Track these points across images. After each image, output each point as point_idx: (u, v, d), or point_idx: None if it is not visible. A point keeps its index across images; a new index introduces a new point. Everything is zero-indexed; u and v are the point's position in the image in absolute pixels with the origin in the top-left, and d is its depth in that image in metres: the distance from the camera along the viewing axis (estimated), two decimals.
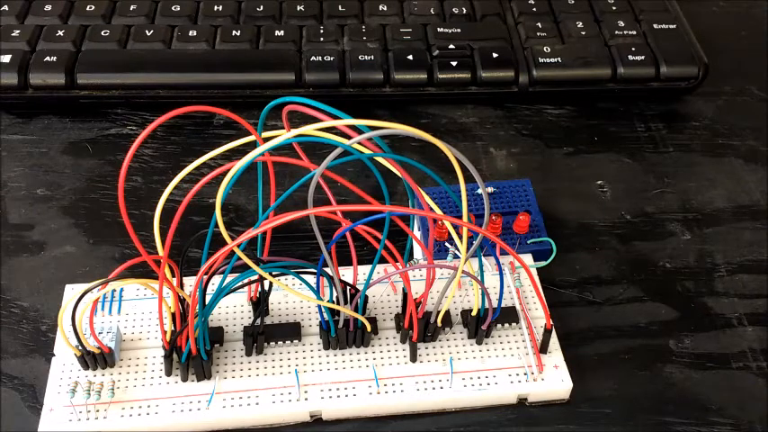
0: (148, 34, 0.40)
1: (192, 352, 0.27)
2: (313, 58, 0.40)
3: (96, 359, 0.28)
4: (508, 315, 0.30)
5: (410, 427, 0.29)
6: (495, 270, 0.32)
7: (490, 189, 0.35)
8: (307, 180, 0.25)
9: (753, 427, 0.29)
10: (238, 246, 0.24)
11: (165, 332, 0.27)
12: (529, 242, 0.33)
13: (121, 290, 0.31)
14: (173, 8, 0.42)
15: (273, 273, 0.28)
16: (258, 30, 0.41)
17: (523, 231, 0.33)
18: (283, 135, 0.23)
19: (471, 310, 0.30)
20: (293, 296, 0.31)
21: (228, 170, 0.24)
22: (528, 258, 0.33)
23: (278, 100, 0.24)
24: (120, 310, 0.30)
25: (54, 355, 0.29)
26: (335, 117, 0.22)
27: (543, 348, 0.30)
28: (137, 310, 0.30)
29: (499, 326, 0.30)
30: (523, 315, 0.31)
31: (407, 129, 0.22)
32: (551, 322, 0.29)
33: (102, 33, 0.40)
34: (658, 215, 0.37)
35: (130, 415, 0.27)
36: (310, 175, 0.24)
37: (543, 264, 0.33)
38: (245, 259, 0.25)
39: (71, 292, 0.31)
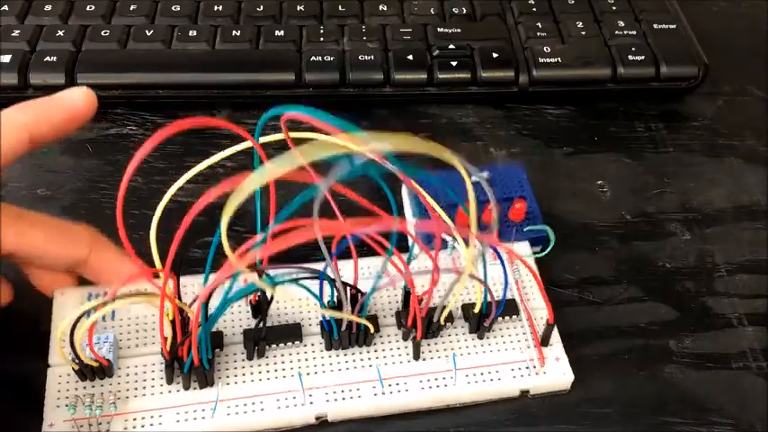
0: (148, 34, 0.40)
1: (195, 363, 0.27)
2: (313, 58, 0.40)
3: (95, 371, 0.28)
4: (508, 308, 0.30)
5: (412, 427, 0.29)
6: (494, 258, 0.31)
7: (484, 174, 0.34)
8: (311, 193, 0.24)
9: (753, 427, 0.29)
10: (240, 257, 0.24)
11: (166, 339, 0.27)
12: (525, 230, 0.33)
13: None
14: (173, 8, 0.42)
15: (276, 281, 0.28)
16: (258, 30, 0.41)
17: (519, 219, 0.33)
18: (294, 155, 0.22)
19: (473, 305, 0.30)
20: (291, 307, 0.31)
21: (231, 187, 0.23)
22: (525, 246, 0.32)
23: (275, 110, 0.23)
24: (113, 314, 0.30)
25: (50, 366, 0.28)
26: (337, 125, 0.22)
27: (544, 341, 0.30)
28: (131, 315, 0.30)
29: (500, 319, 0.30)
30: (523, 307, 0.31)
31: (432, 149, 0.21)
32: (553, 314, 0.29)
33: (102, 33, 0.40)
34: (658, 215, 0.37)
35: (134, 427, 0.27)
36: (314, 190, 0.23)
37: (542, 254, 0.33)
38: (251, 278, 0.25)
39: (60, 297, 0.30)
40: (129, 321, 0.30)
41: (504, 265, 0.30)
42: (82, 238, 0.29)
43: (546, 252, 0.32)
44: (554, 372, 0.29)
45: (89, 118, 0.29)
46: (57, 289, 0.30)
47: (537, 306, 0.31)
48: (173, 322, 0.27)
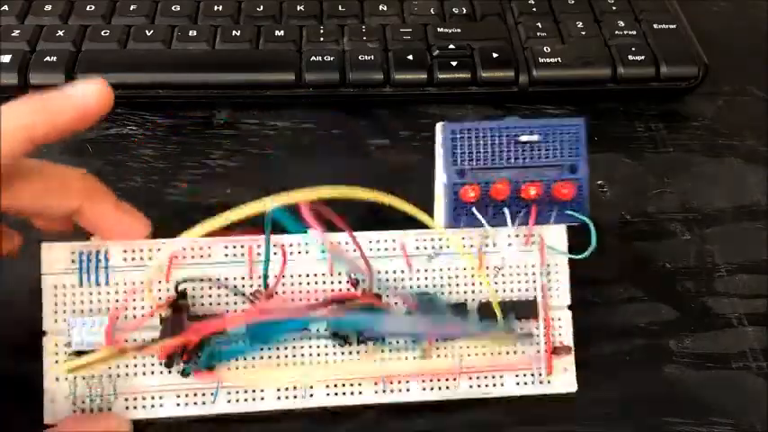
0: (148, 34, 0.40)
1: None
2: (313, 58, 0.40)
3: None
4: (527, 309, 0.30)
5: (413, 426, 0.29)
6: (525, 244, 0.30)
7: (535, 137, 0.30)
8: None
9: (753, 427, 0.29)
10: None
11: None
12: (567, 212, 0.30)
13: (105, 254, 0.29)
14: (173, 8, 0.42)
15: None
16: (258, 30, 0.41)
17: (564, 199, 0.30)
18: None
19: (488, 304, 0.29)
20: (298, 284, 0.30)
21: None
22: (561, 233, 0.30)
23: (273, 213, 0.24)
24: (107, 279, 0.28)
25: (45, 333, 0.28)
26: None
27: (557, 350, 0.29)
28: (127, 280, 0.28)
29: (515, 320, 0.30)
30: (543, 306, 0.30)
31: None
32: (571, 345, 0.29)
33: (102, 33, 0.40)
34: (658, 215, 0.37)
35: (134, 407, 0.27)
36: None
37: (580, 256, 0.30)
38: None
39: (48, 249, 0.28)
40: (125, 288, 0.28)
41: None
42: (73, 188, 0.27)
43: (584, 255, 0.30)
44: (559, 383, 0.29)
45: (102, 115, 0.26)
46: (44, 243, 0.28)
47: (558, 305, 0.30)
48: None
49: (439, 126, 0.30)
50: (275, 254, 0.28)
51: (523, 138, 0.30)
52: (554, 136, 0.30)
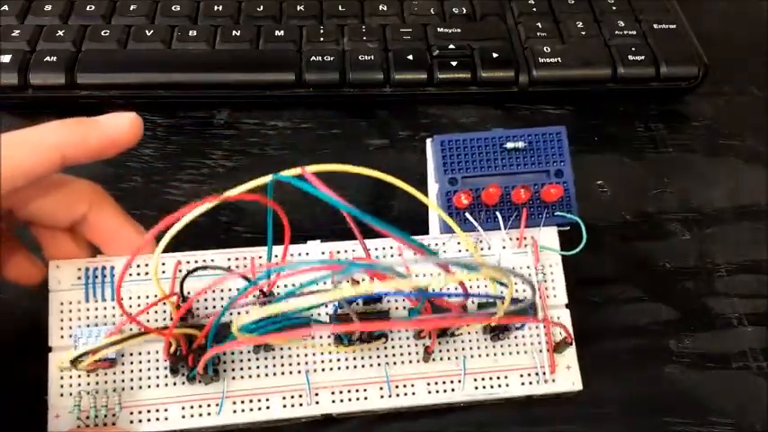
0: (148, 34, 0.40)
1: (200, 371, 0.27)
2: (313, 58, 0.40)
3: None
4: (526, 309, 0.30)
5: (415, 426, 0.29)
6: (518, 247, 0.30)
7: (520, 144, 0.31)
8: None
9: (753, 427, 0.29)
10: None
11: (170, 344, 0.27)
12: (556, 214, 0.31)
13: (112, 268, 0.29)
14: (173, 8, 0.42)
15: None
16: (258, 30, 0.41)
17: (551, 201, 0.31)
18: None
19: (490, 304, 0.29)
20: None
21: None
22: (552, 234, 0.31)
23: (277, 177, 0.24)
24: (112, 293, 0.28)
25: (51, 350, 0.28)
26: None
27: (558, 347, 0.29)
28: (132, 294, 0.28)
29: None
30: (542, 307, 0.30)
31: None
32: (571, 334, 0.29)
33: (102, 33, 0.40)
34: (658, 215, 0.37)
35: (140, 420, 0.27)
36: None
37: (571, 253, 0.30)
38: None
39: (56, 270, 0.28)
40: (130, 302, 0.28)
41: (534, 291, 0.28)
42: (80, 196, 0.28)
43: (575, 251, 0.30)
44: (563, 381, 0.29)
45: (132, 145, 0.28)
46: (52, 260, 0.29)
47: (555, 304, 0.30)
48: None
49: (429, 141, 0.31)
50: (276, 265, 0.28)
51: (509, 144, 0.31)
52: (538, 144, 0.31)
